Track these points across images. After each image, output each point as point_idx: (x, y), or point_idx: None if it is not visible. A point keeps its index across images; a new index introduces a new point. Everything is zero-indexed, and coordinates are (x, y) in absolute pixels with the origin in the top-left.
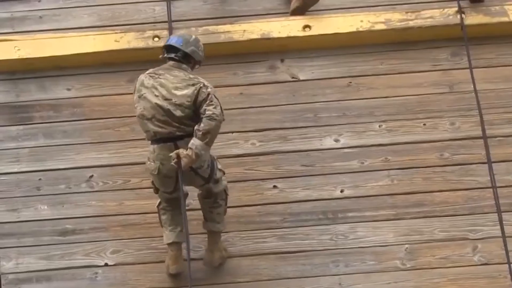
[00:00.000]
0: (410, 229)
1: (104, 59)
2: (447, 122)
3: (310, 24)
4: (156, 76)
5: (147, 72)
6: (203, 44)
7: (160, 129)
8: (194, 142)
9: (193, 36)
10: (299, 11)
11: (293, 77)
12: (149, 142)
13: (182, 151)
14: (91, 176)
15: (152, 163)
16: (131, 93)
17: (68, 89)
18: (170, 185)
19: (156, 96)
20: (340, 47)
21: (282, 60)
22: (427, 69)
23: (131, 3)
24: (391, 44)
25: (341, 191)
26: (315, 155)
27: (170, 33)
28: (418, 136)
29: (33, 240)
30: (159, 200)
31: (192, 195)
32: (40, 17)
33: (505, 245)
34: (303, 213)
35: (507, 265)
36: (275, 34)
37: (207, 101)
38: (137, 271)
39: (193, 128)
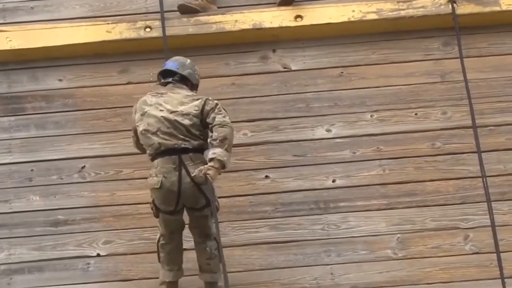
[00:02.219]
0: (402, 218)
1: (96, 49)
2: (439, 111)
3: (302, 14)
4: (159, 95)
5: (148, 93)
6: (195, 34)
7: (165, 141)
8: (215, 150)
9: (188, 60)
10: (286, 2)
11: (285, 67)
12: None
13: (204, 166)
14: (83, 167)
15: (154, 177)
16: (124, 84)
17: (60, 80)
18: (172, 201)
19: (161, 110)
20: (332, 37)
21: (274, 50)
22: (419, 59)
23: None
24: (382, 34)
25: (333, 181)
26: (307, 145)
27: (163, 24)
28: (410, 125)
29: (25, 231)
30: (158, 235)
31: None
32: (32, 7)
33: (494, 234)
34: (294, 203)
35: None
36: (267, 24)
37: (216, 110)
38: (129, 262)
39: (199, 142)
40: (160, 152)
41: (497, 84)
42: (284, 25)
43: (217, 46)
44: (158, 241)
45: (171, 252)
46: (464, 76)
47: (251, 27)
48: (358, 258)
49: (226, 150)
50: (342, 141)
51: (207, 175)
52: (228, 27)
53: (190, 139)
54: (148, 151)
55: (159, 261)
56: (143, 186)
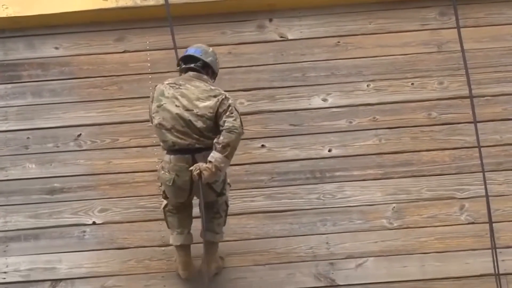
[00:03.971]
0: (398, 188)
1: (93, 17)
2: (435, 81)
3: None
4: (177, 86)
5: (167, 82)
6: (191, 2)
7: (179, 140)
8: (214, 155)
9: (210, 48)
10: None
11: (281, 37)
12: (165, 152)
13: (202, 165)
14: (79, 135)
15: (167, 174)
16: (120, 52)
17: (56, 48)
18: (183, 196)
19: (177, 106)
20: (329, 6)
21: (270, 20)
22: (416, 29)
23: None
24: (379, 3)
25: (329, 150)
26: (303, 115)
27: None
28: (406, 95)
29: (21, 199)
30: (165, 202)
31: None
32: None
33: (488, 204)
34: (291, 172)
35: (493, 224)
36: None
37: (227, 113)
38: (125, 230)
39: (212, 141)
40: (174, 150)
41: (494, 54)
42: None
43: (214, 15)
44: (165, 206)
45: (179, 217)
46: (461, 45)
47: None
48: (353, 228)
49: (226, 156)
50: (339, 111)
51: (202, 175)
52: None
53: (204, 139)
54: (162, 145)
55: (168, 227)
56: (139, 155)
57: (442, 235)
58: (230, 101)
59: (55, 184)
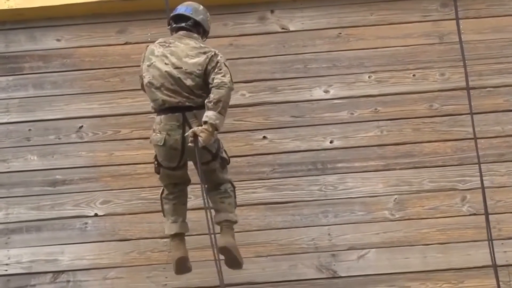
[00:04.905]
0: (399, 179)
1: (94, 9)
2: (437, 73)
3: None
4: (167, 44)
5: (157, 41)
6: None
7: (169, 98)
8: (208, 114)
9: (201, 6)
10: None
11: (283, 28)
12: (155, 113)
13: (197, 128)
14: (81, 127)
15: (158, 134)
16: (122, 44)
17: (58, 40)
18: (175, 158)
19: (166, 64)
20: None
21: (272, 11)
22: (417, 20)
23: None
24: None
25: (331, 142)
26: (304, 106)
27: None
28: (408, 87)
29: (23, 191)
30: (162, 189)
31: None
32: None
33: (484, 196)
34: (292, 163)
35: (495, 215)
36: None
37: (216, 69)
38: (127, 221)
39: (203, 99)
40: (164, 109)
41: (495, 46)
42: None
43: (215, 6)
44: (162, 193)
45: (175, 204)
46: (459, 37)
47: None
48: (355, 219)
49: (219, 113)
50: (340, 102)
51: (200, 138)
52: None
53: (194, 97)
54: (151, 105)
55: (163, 215)
56: (141, 146)
57: (443, 227)
58: (219, 58)
59: (57, 176)
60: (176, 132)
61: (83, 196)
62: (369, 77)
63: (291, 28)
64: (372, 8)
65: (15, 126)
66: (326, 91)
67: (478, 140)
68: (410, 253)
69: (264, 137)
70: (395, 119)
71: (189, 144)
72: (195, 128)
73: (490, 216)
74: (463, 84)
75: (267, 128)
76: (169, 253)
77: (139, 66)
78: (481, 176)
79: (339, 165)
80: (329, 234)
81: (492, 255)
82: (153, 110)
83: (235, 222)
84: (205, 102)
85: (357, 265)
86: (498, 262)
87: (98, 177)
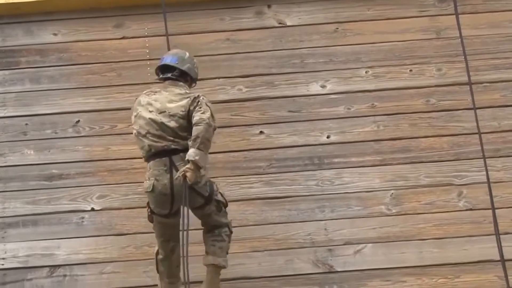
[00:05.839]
0: (396, 174)
1: (91, 3)
2: (434, 68)
3: None
4: (152, 93)
5: (145, 92)
6: None
7: (154, 143)
8: (189, 152)
9: (187, 53)
10: None
11: (280, 23)
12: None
13: (182, 168)
14: (78, 121)
15: (147, 181)
16: (118, 38)
17: (55, 34)
18: (166, 204)
19: (151, 111)
20: None
21: (269, 6)
22: (414, 15)
23: None
24: None
25: (327, 137)
26: (301, 101)
27: None
28: (405, 82)
29: (19, 185)
30: (156, 248)
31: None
32: None
33: (490, 191)
34: (289, 158)
35: (491, 211)
36: None
37: (197, 107)
38: (124, 216)
39: (187, 141)
40: (152, 155)
41: (492, 41)
42: None
43: (212, 1)
44: (157, 254)
45: (169, 266)
46: (460, 32)
47: None
48: (351, 214)
49: (198, 148)
50: (337, 97)
51: (186, 178)
52: None
53: (179, 140)
54: (141, 154)
55: (158, 272)
56: None
57: (440, 222)
58: (201, 98)
59: (54, 171)
60: (164, 177)
61: (80, 191)
62: (366, 72)
63: (288, 23)
64: (369, 3)
65: (12, 120)
66: (323, 86)
67: (474, 136)
68: (406, 248)
69: (261, 132)
70: (391, 114)
71: (177, 178)
72: (181, 169)
73: (487, 211)
74: (460, 79)
75: (264, 123)
76: None
77: (136, 60)
78: (486, 171)
79: (336, 160)
80: (325, 229)
81: (500, 250)
82: (143, 159)
83: (223, 267)
84: (188, 142)
85: (354, 260)
86: (496, 257)
87: (94, 171)
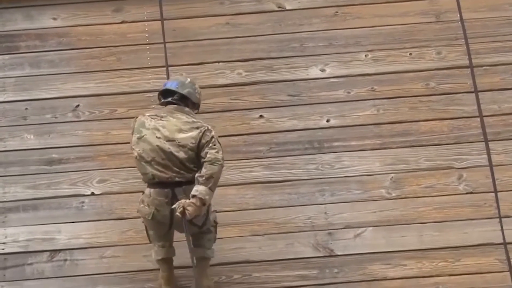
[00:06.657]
0: (396, 158)
1: None
2: (434, 51)
3: None
4: (158, 118)
5: (148, 114)
6: None
7: (159, 173)
8: (198, 188)
9: (188, 79)
10: None
11: (279, 7)
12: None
13: (185, 201)
14: (77, 106)
15: (146, 207)
16: (118, 23)
17: (54, 19)
18: (163, 230)
19: (158, 138)
20: None
21: None
22: None
23: None
24: None
25: (327, 121)
26: (301, 85)
27: None
28: (404, 65)
29: (19, 170)
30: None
31: None
32: None
33: (492, 174)
34: (289, 142)
35: (492, 194)
36: None
37: (210, 144)
38: (123, 200)
39: (193, 174)
40: (154, 183)
41: (492, 24)
42: None
43: None
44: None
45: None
46: (460, 15)
47: None
48: (351, 198)
49: (210, 188)
50: (337, 81)
51: (187, 211)
52: None
53: (184, 172)
54: (142, 178)
55: (149, 240)
56: None
57: (440, 205)
58: (213, 133)
59: (53, 155)
60: (165, 209)
61: (80, 175)
62: (365, 55)
63: (288, 7)
64: None
65: (12, 105)
66: (323, 70)
67: (474, 119)
68: (406, 231)
69: (261, 116)
70: (391, 98)
71: (177, 213)
72: (182, 201)
73: (487, 194)
74: (460, 62)
75: (264, 107)
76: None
77: (136, 45)
78: (488, 154)
79: (336, 143)
80: (325, 213)
81: (502, 233)
82: (143, 182)
83: (211, 257)
84: (196, 176)
85: (354, 244)
86: (496, 240)
87: (94, 156)
